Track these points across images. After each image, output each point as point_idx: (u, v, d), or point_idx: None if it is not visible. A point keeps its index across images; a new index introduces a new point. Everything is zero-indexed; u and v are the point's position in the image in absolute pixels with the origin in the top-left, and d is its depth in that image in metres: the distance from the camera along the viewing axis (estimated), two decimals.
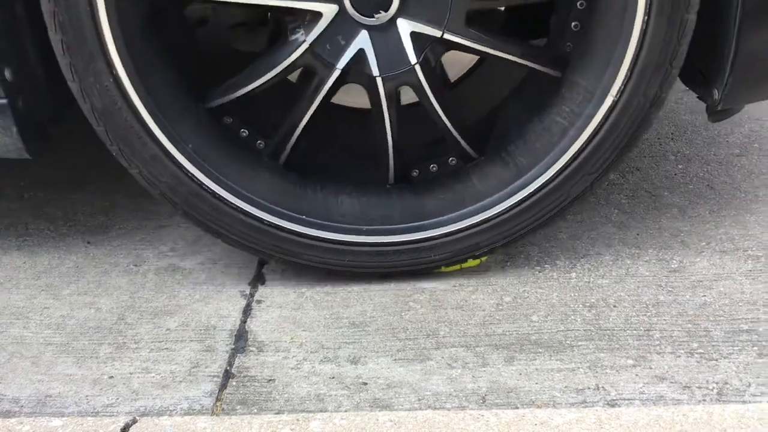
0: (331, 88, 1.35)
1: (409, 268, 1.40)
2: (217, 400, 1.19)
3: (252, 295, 1.43)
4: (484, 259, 1.47)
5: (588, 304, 1.36)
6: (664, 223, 1.58)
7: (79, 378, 1.25)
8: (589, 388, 1.18)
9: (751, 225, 1.55)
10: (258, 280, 1.47)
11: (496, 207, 1.35)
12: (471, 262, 1.45)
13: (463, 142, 1.41)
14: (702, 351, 1.24)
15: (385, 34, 1.31)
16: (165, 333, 1.34)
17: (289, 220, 1.36)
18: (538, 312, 1.35)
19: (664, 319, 1.31)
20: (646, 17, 1.21)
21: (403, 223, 1.38)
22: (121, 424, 1.03)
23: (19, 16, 1.28)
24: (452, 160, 1.45)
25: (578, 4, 1.35)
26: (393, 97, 1.35)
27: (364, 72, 1.34)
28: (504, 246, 1.39)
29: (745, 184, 1.72)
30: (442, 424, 0.98)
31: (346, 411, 1.14)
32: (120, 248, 1.58)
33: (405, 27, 1.31)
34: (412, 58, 1.32)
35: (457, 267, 1.42)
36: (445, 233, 1.37)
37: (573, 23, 1.35)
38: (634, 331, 1.29)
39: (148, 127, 1.28)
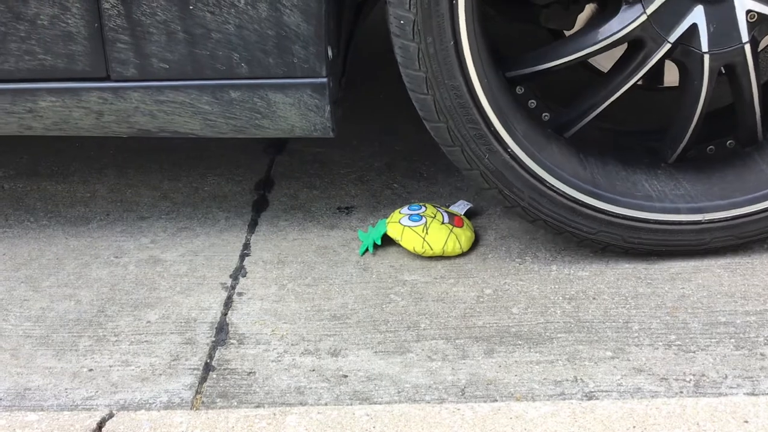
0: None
1: None
2: (197, 393, 1.20)
3: (233, 287, 1.43)
4: (466, 249, 1.48)
5: (568, 297, 1.37)
6: None
7: (59, 371, 1.25)
8: (567, 380, 1.19)
9: None
10: (239, 272, 1.47)
11: None
12: (454, 250, 1.46)
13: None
14: (680, 343, 1.25)
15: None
16: (145, 325, 1.34)
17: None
18: (519, 304, 1.35)
19: (643, 311, 1.32)
20: None
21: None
22: (98, 419, 1.03)
23: None
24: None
25: None
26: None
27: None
28: None
29: None
30: (418, 418, 0.99)
31: (325, 404, 1.14)
32: (101, 240, 1.58)
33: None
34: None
35: None
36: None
37: None
38: (613, 323, 1.30)
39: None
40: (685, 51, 1.35)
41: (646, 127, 1.58)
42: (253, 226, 1.61)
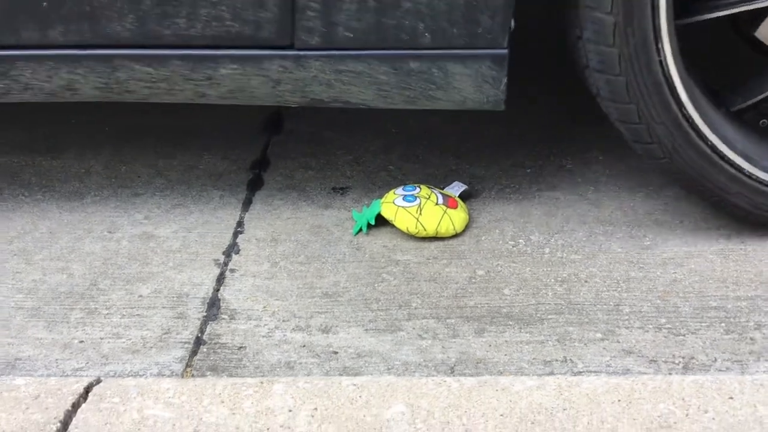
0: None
1: None
2: (187, 366, 1.20)
3: (226, 263, 1.43)
4: (459, 231, 1.48)
5: (560, 279, 1.37)
6: (639, 202, 1.59)
7: (50, 342, 1.25)
8: (556, 360, 1.19)
9: None
10: (232, 249, 1.47)
11: None
12: (447, 231, 1.46)
13: None
14: (670, 326, 1.25)
15: None
16: (137, 300, 1.34)
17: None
18: (511, 286, 1.36)
19: (634, 295, 1.32)
20: None
21: None
22: (85, 384, 1.03)
23: None
24: None
25: None
26: None
27: None
28: None
29: None
30: (404, 388, 0.99)
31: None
32: (94, 215, 1.58)
33: None
34: None
35: None
36: None
37: None
38: (604, 306, 1.30)
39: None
40: None
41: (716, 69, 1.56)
42: (247, 205, 1.61)
